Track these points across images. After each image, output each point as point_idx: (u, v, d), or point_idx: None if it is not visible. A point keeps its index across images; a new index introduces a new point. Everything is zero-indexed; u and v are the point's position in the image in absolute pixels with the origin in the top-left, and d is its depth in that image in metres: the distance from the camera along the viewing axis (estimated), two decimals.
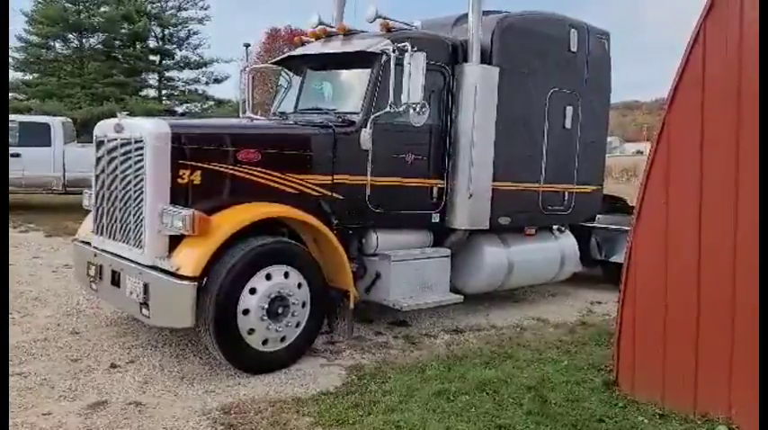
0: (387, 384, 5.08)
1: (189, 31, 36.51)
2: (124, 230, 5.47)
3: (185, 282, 4.87)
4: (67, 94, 32.38)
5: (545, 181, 7.40)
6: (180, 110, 35.13)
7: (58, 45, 35.04)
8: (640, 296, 5.00)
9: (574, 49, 7.50)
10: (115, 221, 5.59)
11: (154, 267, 5.10)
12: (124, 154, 5.44)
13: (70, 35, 34.55)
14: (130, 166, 5.36)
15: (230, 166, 5.44)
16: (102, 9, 34.09)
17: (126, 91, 33.54)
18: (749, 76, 4.26)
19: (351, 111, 6.20)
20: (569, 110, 7.53)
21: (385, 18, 6.39)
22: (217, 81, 36.47)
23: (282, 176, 5.71)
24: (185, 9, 36.68)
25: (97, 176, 5.81)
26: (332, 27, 6.77)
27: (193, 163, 5.26)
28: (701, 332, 4.54)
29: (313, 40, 6.90)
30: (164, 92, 36.73)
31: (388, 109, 5.88)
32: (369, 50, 6.16)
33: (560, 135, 7.48)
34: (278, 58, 7.45)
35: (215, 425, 4.30)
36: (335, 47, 6.62)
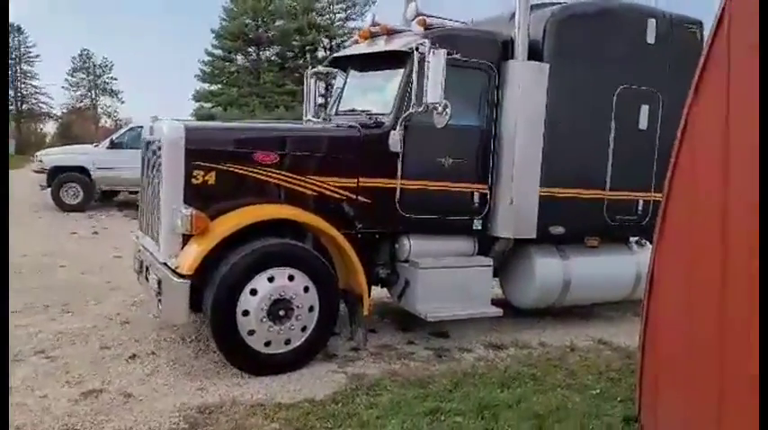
0: (378, 397, 4.85)
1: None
2: (152, 228, 5.78)
3: (180, 280, 5.01)
4: (245, 102, 35.34)
5: (612, 187, 6.60)
6: None
7: (239, 58, 38.42)
8: (663, 322, 4.27)
9: (651, 40, 6.60)
10: (148, 219, 5.93)
11: (166, 264, 5.32)
12: (153, 155, 5.75)
13: (249, 48, 37.70)
14: (156, 167, 5.65)
15: (246, 168, 5.49)
16: (278, 23, 36.78)
17: (296, 99, 35.84)
18: None
19: (382, 113, 6.01)
20: (645, 109, 6.63)
21: (424, 15, 6.12)
22: None
23: (301, 179, 5.67)
24: (353, 19, 38.36)
25: (141, 176, 6.22)
26: (375, 27, 6.59)
27: (208, 164, 5.37)
28: (727, 366, 3.75)
29: (362, 40, 6.79)
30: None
31: (411, 110, 5.65)
32: (399, 49, 5.93)
33: (633, 136, 6.62)
34: (328, 59, 7.46)
35: (180, 423, 4.37)
36: (375, 46, 6.46)
